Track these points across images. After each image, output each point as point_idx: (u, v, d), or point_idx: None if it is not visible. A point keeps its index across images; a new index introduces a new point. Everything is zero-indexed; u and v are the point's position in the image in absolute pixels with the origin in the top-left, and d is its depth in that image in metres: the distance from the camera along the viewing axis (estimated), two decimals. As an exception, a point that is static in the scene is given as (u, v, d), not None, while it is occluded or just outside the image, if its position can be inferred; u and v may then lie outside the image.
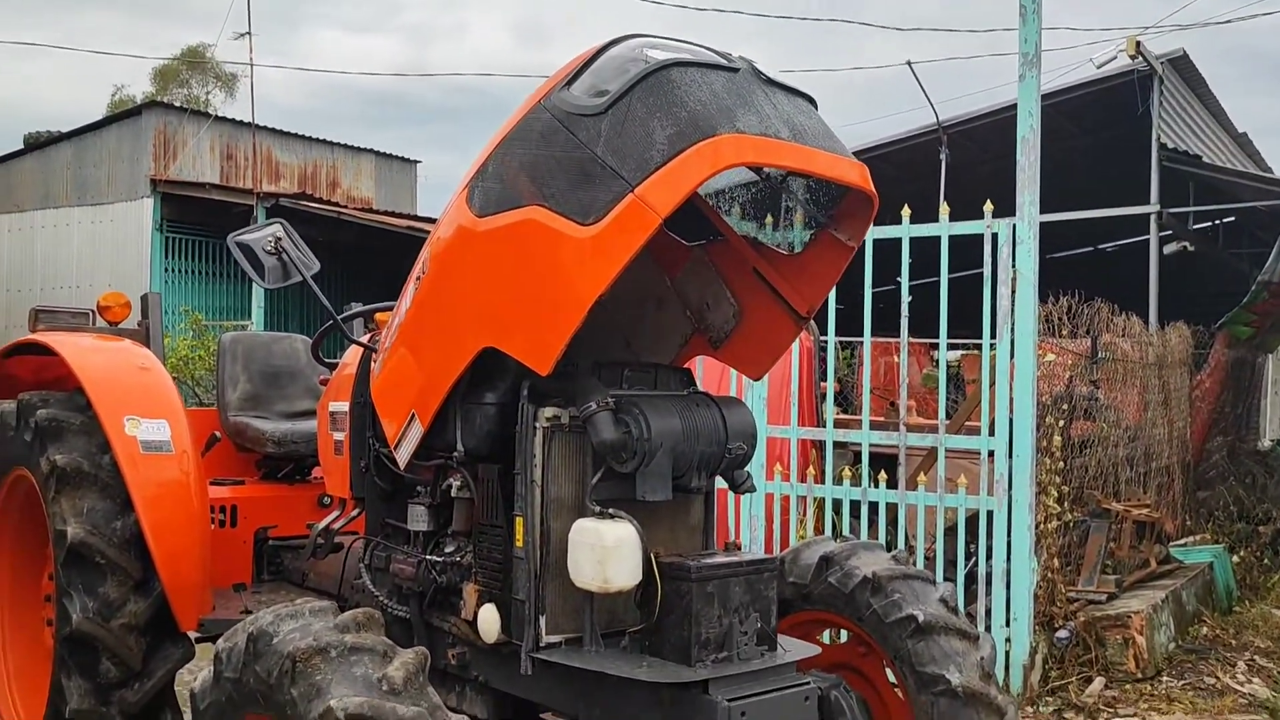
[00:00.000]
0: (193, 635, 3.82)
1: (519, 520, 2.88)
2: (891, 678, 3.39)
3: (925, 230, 5.98)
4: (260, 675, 2.37)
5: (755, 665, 2.74)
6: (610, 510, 2.76)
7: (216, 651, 2.54)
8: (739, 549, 3.01)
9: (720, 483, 3.12)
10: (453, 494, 3.15)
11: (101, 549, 3.61)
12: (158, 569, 3.60)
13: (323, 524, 3.79)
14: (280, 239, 3.55)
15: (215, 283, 16.56)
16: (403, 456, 3.22)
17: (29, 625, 4.30)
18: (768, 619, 2.83)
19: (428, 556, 3.23)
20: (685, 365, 3.37)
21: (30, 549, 4.28)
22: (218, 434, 4.43)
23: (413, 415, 3.17)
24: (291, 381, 4.75)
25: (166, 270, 16.01)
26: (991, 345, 5.89)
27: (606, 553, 2.67)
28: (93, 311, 4.45)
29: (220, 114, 20.90)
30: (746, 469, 3.09)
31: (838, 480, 6.17)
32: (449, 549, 3.22)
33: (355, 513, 3.68)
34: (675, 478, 2.83)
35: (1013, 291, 5.69)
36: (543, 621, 2.84)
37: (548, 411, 2.86)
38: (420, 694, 2.26)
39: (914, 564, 3.54)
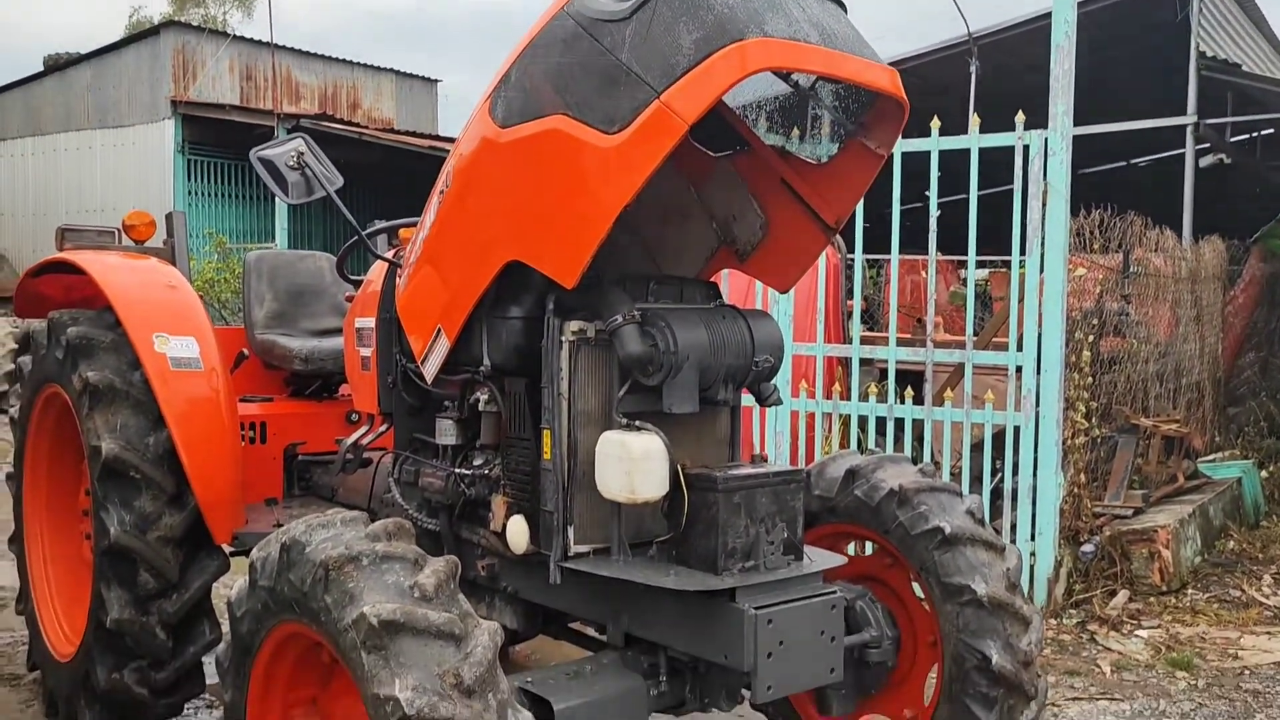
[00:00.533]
0: (227, 550, 3.89)
1: (546, 433, 2.89)
2: (917, 590, 3.41)
3: (955, 143, 5.87)
4: (294, 583, 2.41)
5: (781, 574, 2.76)
6: (637, 423, 2.77)
7: (251, 561, 2.58)
8: (765, 461, 3.01)
9: (748, 399, 3.12)
10: (480, 408, 3.16)
11: (136, 464, 3.66)
12: (191, 483, 3.66)
13: (351, 439, 3.82)
14: (303, 153, 3.52)
15: (239, 205, 16.56)
16: (430, 371, 3.23)
17: (68, 539, 4.40)
18: (794, 529, 2.84)
19: (456, 470, 3.25)
20: (711, 279, 3.34)
21: (66, 465, 4.36)
22: (245, 351, 4.46)
23: (439, 330, 3.16)
24: (317, 299, 4.76)
25: (189, 193, 16.01)
26: (1021, 261, 5.81)
27: (634, 464, 2.68)
28: (118, 230, 4.46)
29: (238, 34, 20.67)
30: (773, 382, 3.08)
31: (863, 397, 6.16)
32: (477, 462, 3.24)
33: (384, 428, 3.70)
34: (702, 390, 2.83)
35: (1043, 205, 5.60)
36: (571, 532, 2.87)
37: (573, 325, 2.85)
38: (451, 600, 2.29)
39: (940, 478, 3.53)
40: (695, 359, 2.76)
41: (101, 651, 3.73)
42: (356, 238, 3.69)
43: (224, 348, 4.03)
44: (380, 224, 3.90)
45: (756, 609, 2.62)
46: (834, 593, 2.82)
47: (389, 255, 3.64)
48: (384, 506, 3.64)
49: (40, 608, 4.37)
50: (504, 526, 3.06)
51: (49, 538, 4.47)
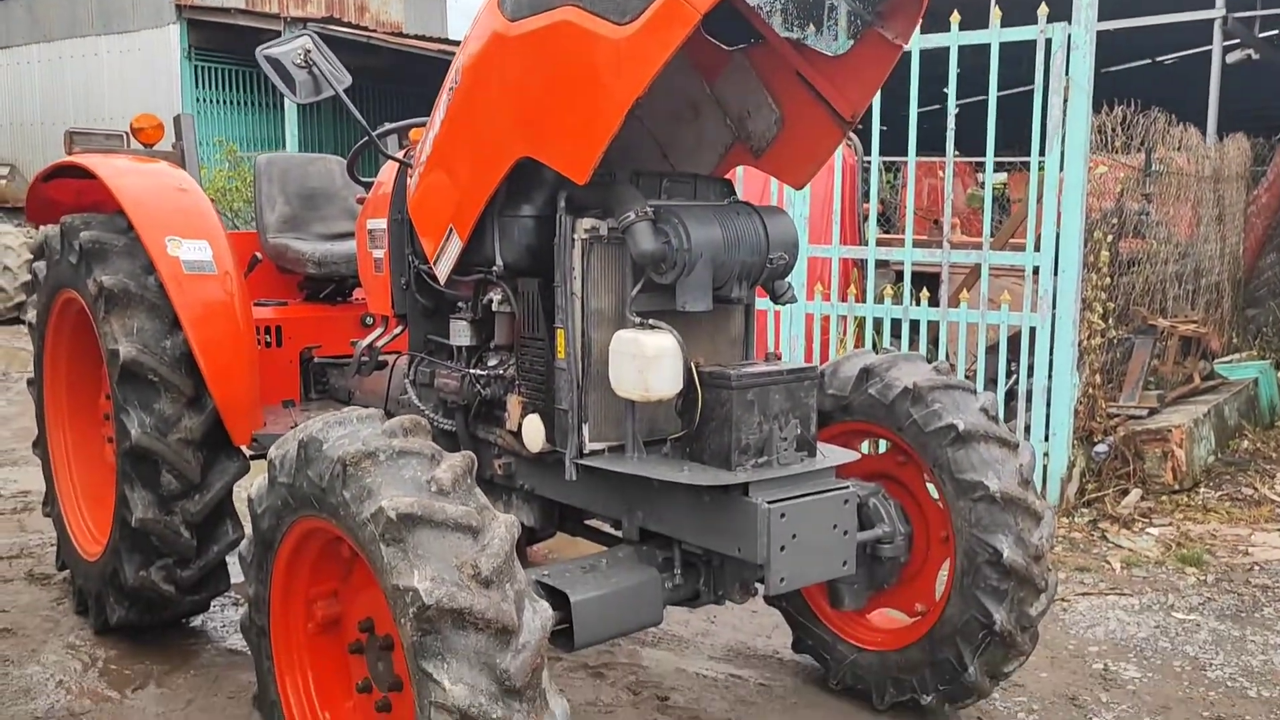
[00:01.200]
0: (247, 452, 3.94)
1: (560, 332, 2.90)
2: (930, 487, 3.43)
3: (975, 37, 5.73)
4: (312, 480, 2.44)
5: (794, 470, 2.78)
6: (650, 321, 2.76)
7: (270, 458, 2.61)
8: (779, 359, 3.01)
9: (762, 303, 3.10)
10: (494, 308, 3.16)
11: (154, 367, 3.69)
12: (208, 386, 3.69)
13: (366, 341, 3.84)
14: (309, 51, 3.46)
15: (248, 112, 16.38)
16: (442, 272, 3.22)
17: (90, 442, 4.45)
18: (807, 426, 2.85)
19: (471, 371, 3.27)
20: (726, 176, 3.30)
21: (85, 369, 4.39)
22: (259, 255, 4.45)
23: (450, 230, 3.15)
24: (329, 203, 4.73)
25: (198, 100, 15.82)
26: (1040, 161, 5.72)
27: (647, 363, 2.68)
28: (126, 134, 4.42)
29: (243, -65, 20.18)
30: (788, 280, 3.06)
31: (879, 299, 6.13)
32: (492, 363, 3.26)
33: (398, 330, 3.72)
34: (715, 288, 2.82)
35: (1065, 101, 5.48)
36: (585, 430, 2.89)
37: (586, 223, 2.83)
38: (468, 494, 2.31)
39: (955, 376, 3.53)
40: (709, 256, 2.75)
41: (128, 550, 3.81)
42: (366, 138, 3.65)
43: (237, 252, 4.03)
44: (390, 125, 3.86)
45: (769, 503, 2.64)
46: (847, 488, 2.85)
47: (399, 156, 3.61)
48: (400, 408, 3.67)
49: (66, 510, 4.45)
50: (520, 425, 3.09)
51: (71, 441, 4.52)
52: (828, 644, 3.72)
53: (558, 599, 2.69)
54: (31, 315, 4.50)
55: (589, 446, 2.89)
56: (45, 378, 4.52)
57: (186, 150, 4.53)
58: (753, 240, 2.85)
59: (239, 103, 16.34)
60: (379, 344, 3.83)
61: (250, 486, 2.77)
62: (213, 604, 4.25)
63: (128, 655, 4.00)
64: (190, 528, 3.77)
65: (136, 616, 4.00)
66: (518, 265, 3.03)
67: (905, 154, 6.13)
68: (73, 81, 17.54)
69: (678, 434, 2.84)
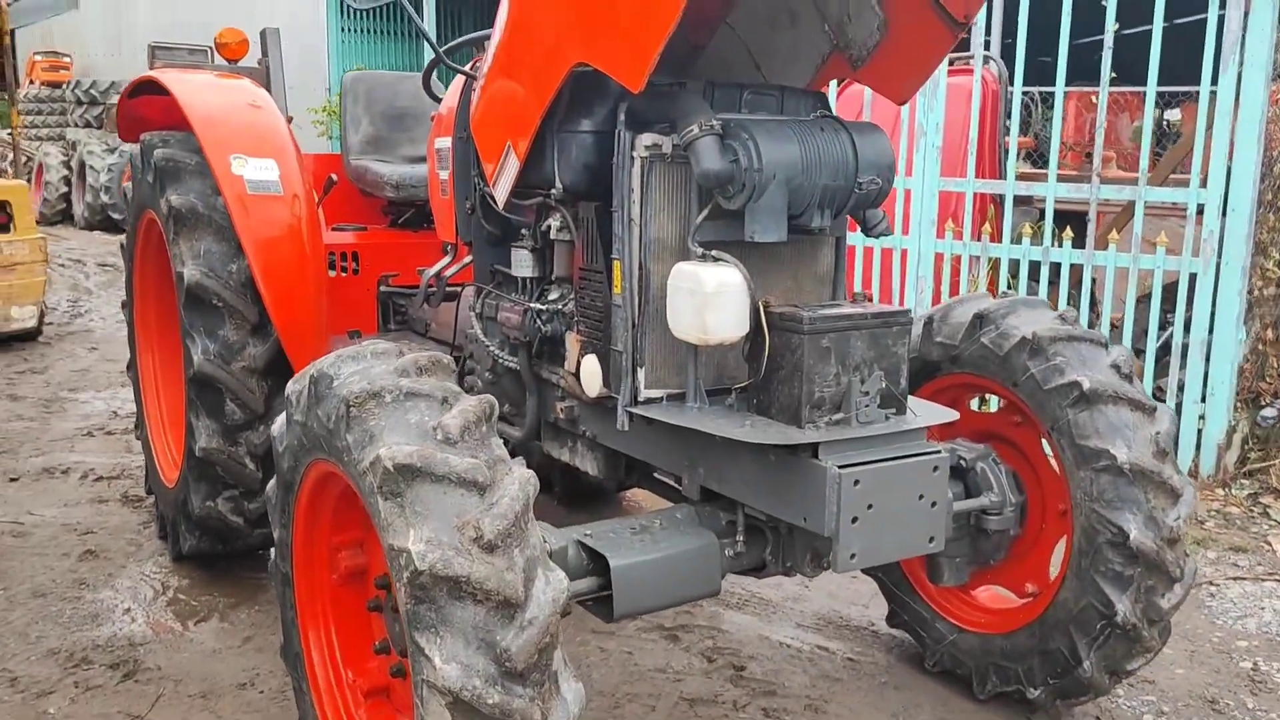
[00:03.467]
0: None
1: (616, 264, 2.58)
2: (1048, 451, 3.00)
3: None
4: (321, 420, 2.20)
5: (876, 430, 2.39)
6: (714, 253, 2.41)
7: (287, 394, 2.39)
8: (869, 300, 2.61)
9: (887, 240, 2.70)
10: (552, 236, 2.86)
11: (218, 291, 3.54)
12: (269, 312, 3.51)
13: (433, 270, 3.60)
14: (369, -48, 3.19)
15: (388, 42, 16.42)
16: (500, 194, 2.94)
17: (176, 366, 4.36)
18: (895, 379, 2.46)
19: (532, 305, 2.98)
20: (821, 90, 2.89)
21: (170, 291, 4.29)
22: (334, 177, 4.24)
23: (508, 147, 2.85)
24: (417, 124, 4.49)
25: (343, 30, 15.94)
26: (1211, 90, 5.02)
27: (705, 300, 2.34)
28: (210, 48, 4.26)
29: None
30: (881, 210, 2.65)
31: (1016, 239, 5.56)
32: (552, 296, 2.97)
33: (467, 259, 3.45)
34: (792, 216, 2.43)
35: (1245, 14, 4.78)
36: (641, 375, 2.57)
37: (646, 139, 2.49)
38: (480, 445, 2.03)
39: (1081, 325, 3.06)
40: (783, 178, 2.36)
41: (195, 480, 3.70)
42: (439, 52, 3.37)
43: (311, 173, 3.83)
44: (463, 37, 3.56)
45: (841, 467, 2.28)
46: (938, 451, 2.45)
47: (467, 69, 3.32)
48: (469, 343, 3.43)
49: (153, 434, 4.40)
50: (578, 366, 2.79)
51: (159, 364, 4.47)
52: (925, 621, 3.34)
53: (598, 563, 2.41)
54: (124, 237, 4.45)
55: (644, 394, 2.57)
56: (135, 300, 4.47)
57: (272, 67, 4.36)
58: (838, 160, 2.45)
59: (381, 32, 16.38)
60: (447, 273, 3.58)
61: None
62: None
63: (198, 585, 3.93)
64: (255, 459, 3.63)
65: (208, 546, 3.91)
66: (577, 187, 2.71)
67: (1053, 84, 5.49)
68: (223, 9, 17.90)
69: (743, 384, 2.49)
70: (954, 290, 5.73)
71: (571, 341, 2.84)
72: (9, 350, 7.87)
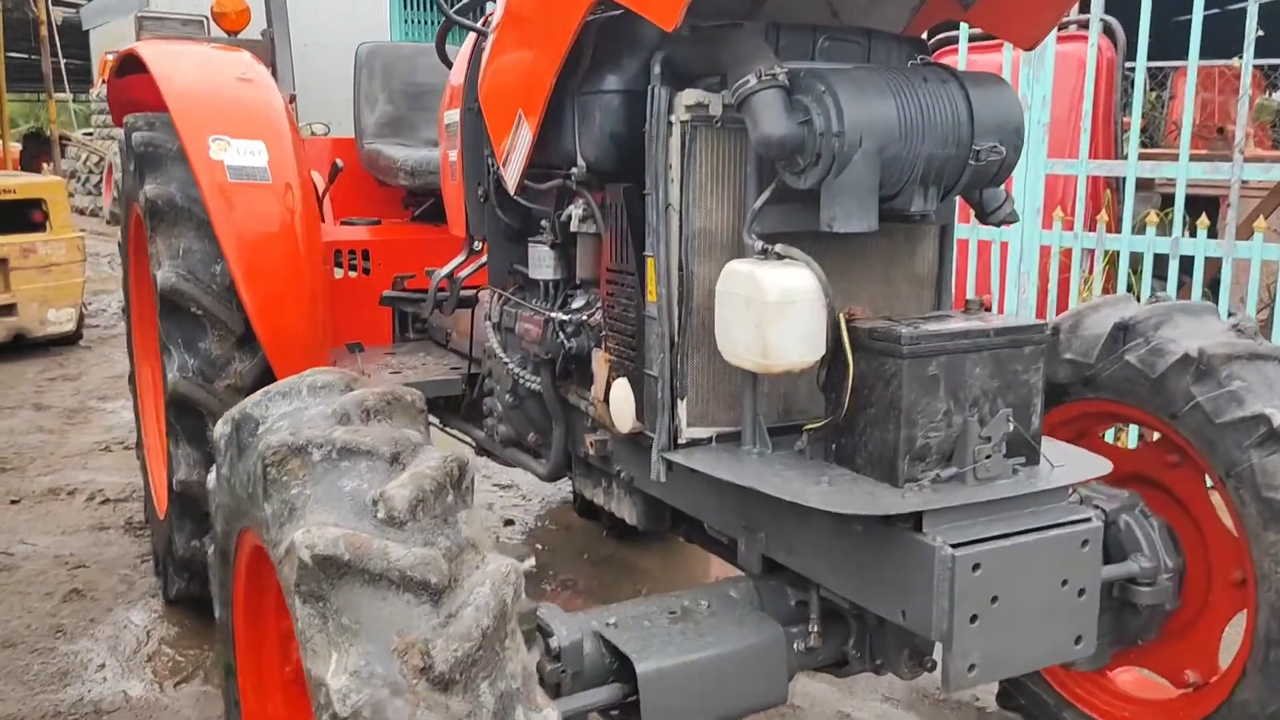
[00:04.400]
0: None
1: (650, 263, 1.97)
2: (1218, 502, 2.31)
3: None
4: (242, 479, 1.63)
5: (1002, 490, 1.75)
6: (778, 248, 1.79)
7: (214, 438, 1.82)
8: (987, 309, 1.96)
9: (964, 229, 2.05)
10: (574, 228, 2.26)
11: (197, 297, 3.01)
12: (251, 322, 2.97)
13: (443, 270, 3.02)
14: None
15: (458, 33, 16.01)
16: (511, 176, 2.35)
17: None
18: (1026, 418, 1.81)
19: (554, 314, 2.39)
20: (921, 36, 2.24)
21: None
22: (339, 162, 3.67)
23: (519, 116, 2.26)
24: (440, 102, 3.92)
25: (405, 21, 15.57)
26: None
27: (766, 312, 1.72)
28: (206, 19, 3.74)
29: None
30: (1003, 189, 1.99)
31: (1139, 228, 4.80)
32: (577, 304, 2.38)
33: (484, 260, 2.87)
34: (885, 197, 1.80)
35: None
36: (682, 409, 1.96)
37: (688, 97, 1.88)
38: (438, 526, 1.43)
39: (1263, 340, 2.37)
40: (873, 145, 1.73)
41: (178, 516, 3.19)
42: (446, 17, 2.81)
43: (310, 158, 3.29)
44: None
45: (955, 546, 1.64)
46: (1088, 520, 1.79)
47: (480, 26, 2.74)
48: (486, 358, 2.86)
49: (149, 455, 3.92)
50: (606, 393, 2.19)
51: (155, 377, 3.97)
52: (1048, 708, 2.67)
53: (625, 663, 1.80)
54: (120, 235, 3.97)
55: (687, 433, 1.96)
56: (131, 305, 3.98)
57: (278, 39, 3.82)
58: (948, 121, 1.80)
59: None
60: (460, 274, 3.00)
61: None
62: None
63: (187, 635, 3.41)
64: (242, 494, 3.09)
65: (198, 590, 3.38)
66: (602, 164, 2.11)
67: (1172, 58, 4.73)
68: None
69: (819, 423, 1.86)
70: (1063, 290, 4.98)
71: (599, 361, 2.24)
72: (45, 355, 7.53)
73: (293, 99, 3.57)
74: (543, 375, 2.51)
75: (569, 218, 2.26)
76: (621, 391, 2.14)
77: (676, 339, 1.94)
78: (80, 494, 4.72)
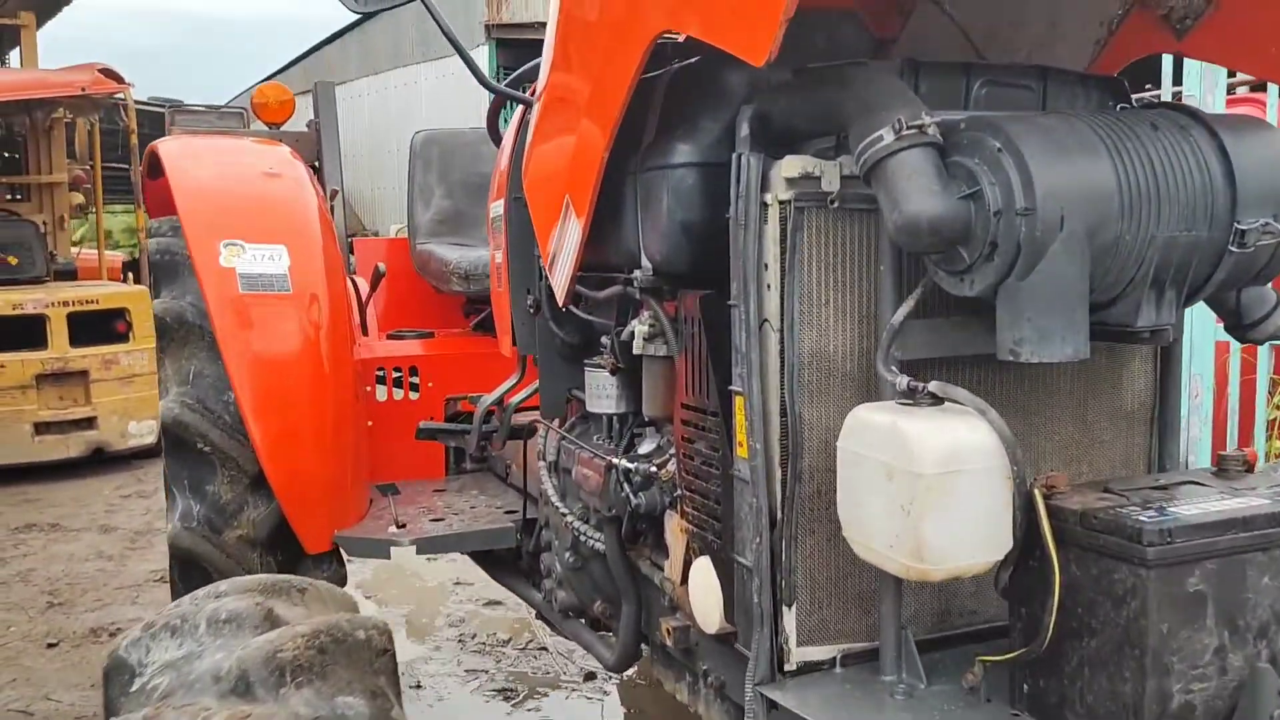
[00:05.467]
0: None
1: (739, 401, 1.37)
2: None
3: None
4: (107, 757, 1.06)
5: (1321, 781, 1.07)
6: (933, 386, 1.17)
7: (103, 672, 1.26)
8: (1250, 466, 1.30)
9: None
10: (638, 349, 1.68)
11: (204, 431, 2.53)
12: (260, 462, 2.45)
13: (491, 396, 2.47)
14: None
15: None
16: (560, 280, 1.80)
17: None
18: (1348, 654, 1.14)
19: (617, 461, 1.80)
20: (1117, 74, 1.63)
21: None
22: (381, 266, 3.16)
23: (567, 204, 1.71)
24: (490, 193, 3.44)
25: (503, 119, 15.57)
26: None
27: (922, 489, 1.10)
28: (246, 111, 3.34)
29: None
30: (1272, 289, 1.34)
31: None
32: (645, 448, 1.80)
33: (536, 385, 2.31)
34: (1098, 305, 1.17)
35: None
36: (790, 619, 1.34)
37: (790, 166, 1.30)
38: None
39: None
40: (1082, 227, 1.11)
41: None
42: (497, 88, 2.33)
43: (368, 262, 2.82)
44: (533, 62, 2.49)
45: None
46: None
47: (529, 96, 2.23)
48: (543, 504, 2.28)
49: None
50: (684, 574, 1.59)
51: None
52: None
53: None
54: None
55: (797, 654, 1.34)
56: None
57: (324, 129, 3.39)
58: (1194, 188, 1.18)
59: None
60: (511, 400, 2.45)
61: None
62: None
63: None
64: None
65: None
66: (672, 264, 1.55)
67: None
68: (396, 108, 17.94)
69: (1002, 654, 1.21)
70: (1247, 397, 4.19)
71: (674, 530, 1.65)
72: (125, 468, 7.25)
73: (334, 194, 3.12)
74: (607, 535, 1.92)
75: (632, 335, 1.68)
76: (704, 577, 1.53)
77: (779, 515, 1.32)
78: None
